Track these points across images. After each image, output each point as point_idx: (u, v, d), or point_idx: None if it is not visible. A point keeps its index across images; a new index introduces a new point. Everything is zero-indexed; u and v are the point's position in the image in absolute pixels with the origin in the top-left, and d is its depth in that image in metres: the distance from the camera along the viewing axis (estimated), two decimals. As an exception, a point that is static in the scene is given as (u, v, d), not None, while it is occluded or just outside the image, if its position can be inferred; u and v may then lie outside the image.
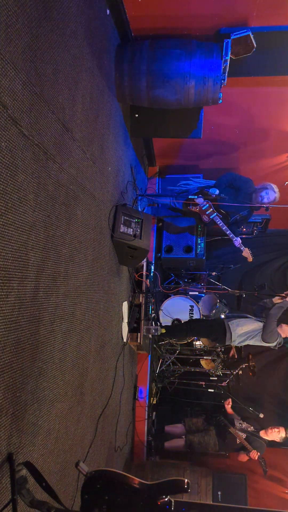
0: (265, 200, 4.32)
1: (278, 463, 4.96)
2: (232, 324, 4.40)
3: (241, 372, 5.04)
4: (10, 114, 1.77)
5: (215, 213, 4.35)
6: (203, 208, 4.37)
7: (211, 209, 4.35)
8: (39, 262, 2.07)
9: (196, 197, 4.40)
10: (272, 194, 4.34)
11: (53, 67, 2.21)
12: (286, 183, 5.39)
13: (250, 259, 4.52)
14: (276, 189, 4.37)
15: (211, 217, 4.37)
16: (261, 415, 4.63)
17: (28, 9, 1.92)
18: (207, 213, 4.37)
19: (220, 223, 4.35)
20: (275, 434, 4.36)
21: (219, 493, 4.16)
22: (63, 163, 2.37)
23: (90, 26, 2.81)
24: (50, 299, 2.21)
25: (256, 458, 4.21)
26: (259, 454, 4.23)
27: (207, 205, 4.35)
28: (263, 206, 4.34)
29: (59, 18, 2.27)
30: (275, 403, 5.59)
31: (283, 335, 4.28)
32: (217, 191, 4.27)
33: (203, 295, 5.46)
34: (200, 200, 4.35)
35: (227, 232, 4.35)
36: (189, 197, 4.45)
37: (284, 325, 4.29)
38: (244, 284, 4.80)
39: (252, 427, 4.54)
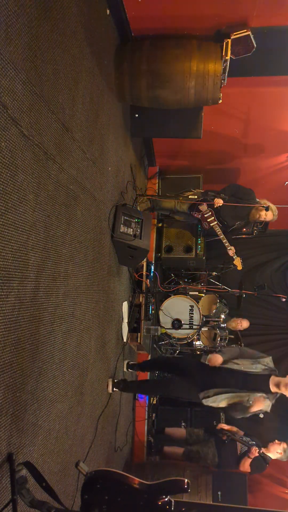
0: (261, 219, 4.42)
1: (278, 463, 4.95)
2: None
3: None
4: (10, 114, 1.77)
5: (216, 222, 4.45)
6: (205, 216, 4.48)
7: (213, 217, 4.46)
8: (39, 262, 2.07)
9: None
10: (269, 215, 4.40)
11: (53, 67, 2.22)
12: (286, 183, 5.39)
13: (239, 267, 4.62)
14: (276, 212, 4.42)
15: (211, 225, 4.48)
16: (261, 415, 4.61)
17: (28, 9, 1.92)
18: (208, 220, 4.48)
19: (218, 231, 4.47)
20: (276, 447, 4.11)
21: (219, 493, 4.14)
22: (63, 163, 2.37)
23: (90, 26, 2.81)
24: (50, 299, 2.21)
25: (257, 454, 4.18)
26: (261, 451, 4.18)
27: (210, 213, 4.46)
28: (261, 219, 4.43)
29: (59, 18, 2.27)
30: (275, 404, 5.58)
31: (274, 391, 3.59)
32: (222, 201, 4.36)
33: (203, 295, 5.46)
34: (204, 207, 4.45)
35: (224, 241, 4.47)
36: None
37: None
38: (244, 284, 4.79)
39: (254, 443, 4.49)
